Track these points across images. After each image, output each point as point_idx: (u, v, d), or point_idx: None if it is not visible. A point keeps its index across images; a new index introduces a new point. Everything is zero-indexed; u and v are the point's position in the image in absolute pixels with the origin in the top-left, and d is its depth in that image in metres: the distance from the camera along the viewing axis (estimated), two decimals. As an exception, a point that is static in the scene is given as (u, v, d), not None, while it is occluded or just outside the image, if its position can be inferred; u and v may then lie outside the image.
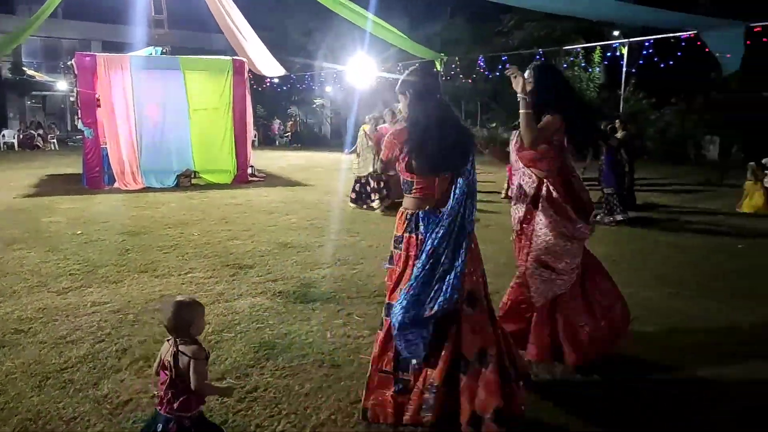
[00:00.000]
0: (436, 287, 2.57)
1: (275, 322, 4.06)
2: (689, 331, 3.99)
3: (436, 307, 2.54)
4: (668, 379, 3.27)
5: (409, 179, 2.71)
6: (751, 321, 4.17)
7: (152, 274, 5.18)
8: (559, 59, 18.17)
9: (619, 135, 8.87)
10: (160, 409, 2.11)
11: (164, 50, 12.81)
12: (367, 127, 10.30)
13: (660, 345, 3.74)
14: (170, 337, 2.14)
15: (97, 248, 6.15)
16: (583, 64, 20.57)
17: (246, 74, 11.87)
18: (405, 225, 2.73)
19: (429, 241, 2.59)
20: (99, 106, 10.81)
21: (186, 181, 11.64)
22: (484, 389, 2.58)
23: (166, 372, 2.09)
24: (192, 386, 2.05)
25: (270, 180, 13.06)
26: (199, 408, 2.15)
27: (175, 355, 2.07)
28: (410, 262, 2.69)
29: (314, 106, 32.17)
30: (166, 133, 11.55)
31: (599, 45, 18.19)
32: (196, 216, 8.28)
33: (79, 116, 10.85)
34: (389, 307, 2.74)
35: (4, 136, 23.53)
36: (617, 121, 9.29)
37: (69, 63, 11.06)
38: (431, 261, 2.57)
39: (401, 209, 2.79)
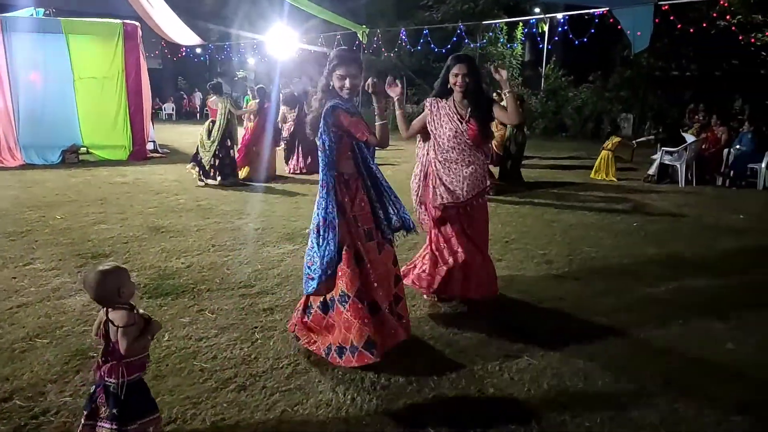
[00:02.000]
0: None
1: (108, 322, 3.50)
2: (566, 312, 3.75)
3: None
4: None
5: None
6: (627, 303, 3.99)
7: (-19, 267, 4.47)
8: (480, 34, 17.98)
9: None
10: (95, 375, 2.12)
11: (47, 12, 11.56)
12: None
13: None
14: None
15: (-72, 236, 5.32)
16: (502, 40, 20.49)
17: (139, 40, 10.85)
18: None
19: None
20: (-34, 72, 9.61)
21: (72, 157, 10.62)
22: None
23: (99, 339, 2.11)
24: (122, 352, 2.03)
25: (173, 156, 12.18)
26: (132, 375, 2.09)
27: (105, 323, 2.06)
28: None
29: (236, 78, 30.78)
30: (48, 103, 10.43)
31: (521, 20, 18.10)
32: (70, 197, 7.46)
33: (-58, 84, 9.59)
34: None
35: None
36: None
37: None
38: None
39: None
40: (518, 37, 21.24)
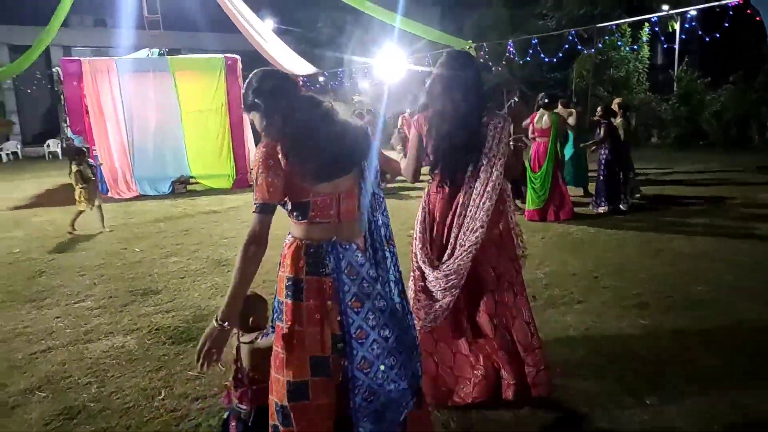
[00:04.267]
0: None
1: (116, 374, 3.29)
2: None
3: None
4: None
5: (304, 199, 1.92)
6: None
7: (37, 305, 4.54)
8: (596, 39, 16.59)
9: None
10: (224, 401, 2.16)
11: (161, 52, 12.41)
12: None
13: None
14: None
15: (12, 270, 5.62)
16: (620, 44, 18.79)
17: (239, 72, 11.22)
18: (304, 262, 1.93)
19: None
20: (87, 112, 10.49)
21: (181, 187, 11.17)
22: None
23: (232, 364, 2.14)
24: (246, 368, 2.08)
25: (274, 183, 12.42)
26: (258, 403, 2.06)
27: (238, 348, 2.10)
28: (327, 321, 1.91)
29: (354, 102, 31.51)
30: (159, 137, 11.08)
31: (641, 19, 16.43)
32: (160, 228, 7.69)
33: (68, 124, 10.55)
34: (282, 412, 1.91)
35: (48, 146, 24.19)
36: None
37: (54, 69, 10.75)
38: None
39: (294, 240, 1.98)
40: (645, 38, 19.41)
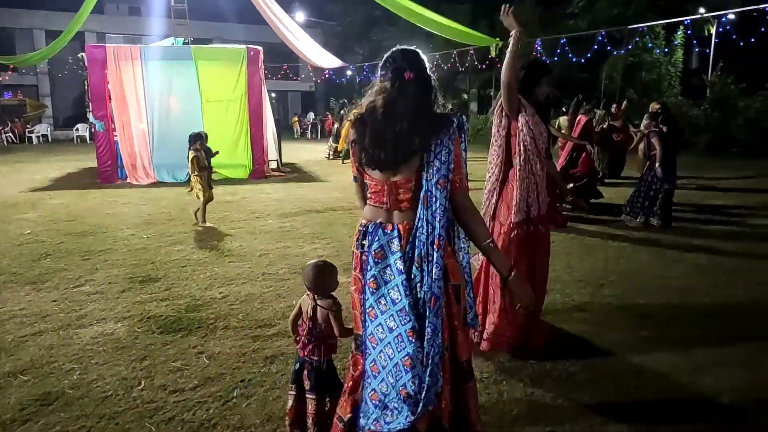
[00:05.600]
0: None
1: (100, 361, 3.27)
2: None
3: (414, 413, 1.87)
4: None
5: (365, 180, 2.07)
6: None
7: (36, 287, 4.57)
8: (626, 41, 16.21)
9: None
10: (300, 353, 2.38)
11: (186, 41, 12.48)
12: None
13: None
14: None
15: (19, 251, 5.68)
16: (650, 45, 18.31)
17: (260, 63, 11.23)
18: (356, 238, 2.07)
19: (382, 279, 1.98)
20: (110, 98, 10.60)
21: (197, 176, 11.23)
22: None
23: (306, 322, 2.36)
24: (337, 333, 2.33)
25: (292, 175, 12.44)
26: (328, 355, 2.37)
27: (314, 309, 2.33)
28: (359, 288, 2.04)
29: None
30: (179, 125, 11.06)
31: (671, 22, 16.00)
32: (171, 215, 7.75)
33: (90, 109, 10.68)
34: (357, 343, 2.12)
35: (77, 130, 24.69)
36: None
37: (80, 55, 10.89)
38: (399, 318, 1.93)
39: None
40: (678, 41, 18.92)
